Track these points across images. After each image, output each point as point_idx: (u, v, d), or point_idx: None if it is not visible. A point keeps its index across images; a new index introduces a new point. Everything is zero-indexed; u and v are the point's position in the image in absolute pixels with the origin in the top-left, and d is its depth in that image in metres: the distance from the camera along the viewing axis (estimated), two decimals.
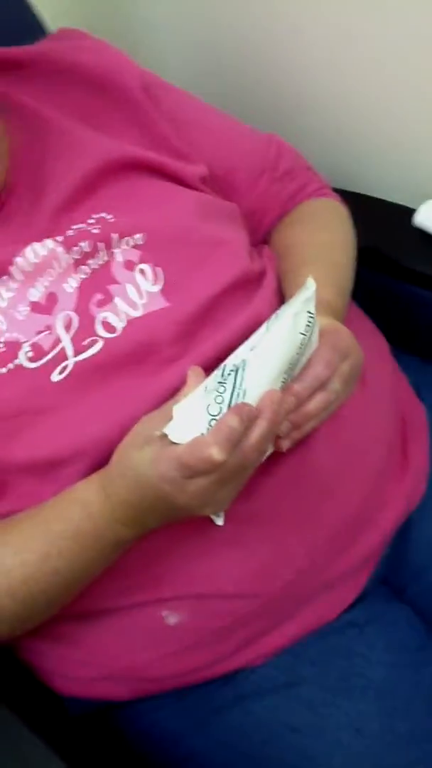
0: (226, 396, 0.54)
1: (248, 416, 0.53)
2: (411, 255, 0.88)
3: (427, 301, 0.89)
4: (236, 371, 0.54)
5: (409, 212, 0.88)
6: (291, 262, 0.76)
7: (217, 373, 0.55)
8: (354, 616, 0.72)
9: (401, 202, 0.92)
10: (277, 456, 0.67)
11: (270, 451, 0.64)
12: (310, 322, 0.58)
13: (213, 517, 0.64)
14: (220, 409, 0.54)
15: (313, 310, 0.58)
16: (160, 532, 0.64)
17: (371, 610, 0.73)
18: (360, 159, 1.00)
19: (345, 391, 0.62)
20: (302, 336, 0.57)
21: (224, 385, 0.54)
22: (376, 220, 0.91)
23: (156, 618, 0.67)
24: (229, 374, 0.54)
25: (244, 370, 0.54)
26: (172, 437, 0.54)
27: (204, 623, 0.67)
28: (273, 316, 0.58)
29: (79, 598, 0.65)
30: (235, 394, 0.54)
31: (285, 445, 0.61)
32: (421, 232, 0.88)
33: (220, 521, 0.64)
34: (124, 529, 0.59)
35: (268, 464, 0.67)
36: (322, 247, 0.77)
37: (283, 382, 0.58)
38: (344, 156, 1.01)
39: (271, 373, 0.56)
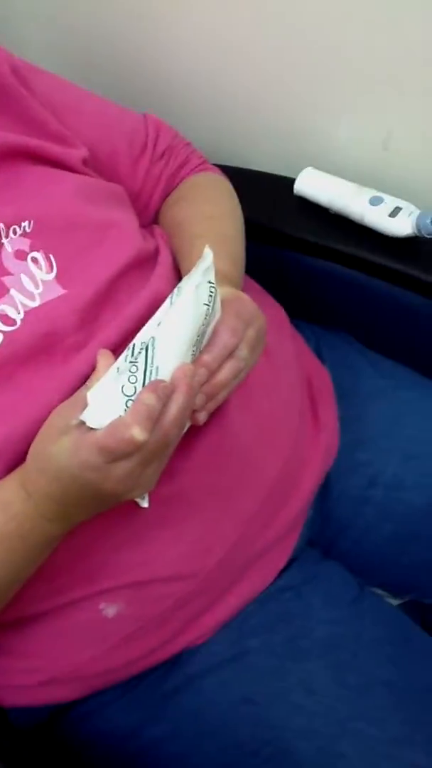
0: (140, 375, 0.53)
1: (164, 392, 0.52)
2: (295, 224, 0.90)
3: (315, 268, 0.91)
4: (146, 349, 0.54)
5: (289, 182, 0.90)
6: (182, 238, 0.76)
7: (127, 353, 0.54)
8: (288, 580, 0.73)
9: (280, 173, 0.94)
10: (194, 432, 0.67)
11: (187, 425, 0.63)
12: (212, 291, 0.58)
13: (138, 500, 0.63)
14: (135, 388, 0.53)
15: (213, 280, 0.58)
16: (86, 525, 0.62)
17: (304, 571, 0.75)
18: (236, 133, 1.01)
19: (252, 357, 0.63)
20: (206, 306, 0.57)
21: (136, 364, 0.53)
22: (258, 193, 0.92)
23: (94, 612, 0.65)
24: (139, 353, 0.54)
25: (154, 347, 0.54)
26: (90, 423, 0.53)
27: (143, 610, 0.66)
28: (175, 290, 0.57)
29: (12, 605, 0.62)
30: (148, 371, 0.53)
31: (201, 417, 0.61)
32: (302, 201, 0.90)
33: (145, 503, 0.63)
34: (50, 525, 0.57)
35: (186, 442, 0.67)
36: (210, 220, 0.78)
37: (193, 354, 0.58)
38: (221, 131, 1.01)
39: (180, 346, 0.56)
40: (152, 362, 0.53)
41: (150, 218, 0.84)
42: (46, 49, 1.09)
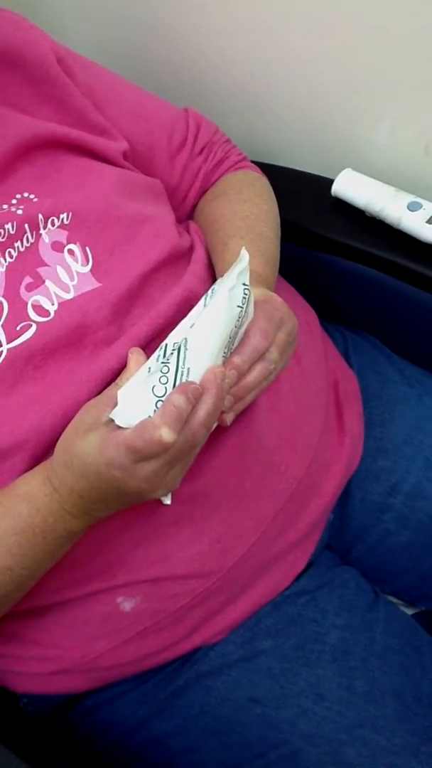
0: (171, 376, 0.53)
1: (194, 394, 0.52)
2: (331, 225, 0.89)
3: (348, 271, 0.90)
4: (178, 350, 0.54)
5: (327, 183, 0.89)
6: (217, 236, 0.75)
7: (158, 354, 0.54)
8: (304, 584, 0.73)
9: (319, 173, 0.93)
10: (220, 433, 0.67)
11: (213, 426, 0.63)
12: (246, 294, 0.58)
13: (161, 497, 0.63)
14: (166, 389, 0.53)
15: (248, 282, 0.58)
16: (108, 520, 0.62)
17: (320, 576, 0.75)
18: (276, 131, 1.00)
19: (283, 359, 0.63)
20: (239, 309, 0.57)
21: (167, 365, 0.53)
22: (295, 192, 0.92)
23: (111, 606, 0.65)
24: (171, 354, 0.54)
25: (186, 348, 0.54)
26: (119, 422, 0.53)
27: (159, 606, 0.66)
28: (209, 292, 0.57)
29: (31, 594, 0.63)
30: (179, 373, 0.53)
31: (229, 418, 0.61)
32: (339, 202, 0.89)
33: (167, 500, 0.63)
34: (74, 520, 0.58)
35: (211, 442, 0.67)
36: (246, 219, 0.77)
37: (224, 356, 0.58)
38: (261, 129, 1.00)
39: (212, 348, 0.56)
40: (184, 364, 0.53)
41: (186, 214, 0.84)
42: (86, 38, 1.08)
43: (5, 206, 0.65)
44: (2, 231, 0.64)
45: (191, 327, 0.56)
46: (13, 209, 0.65)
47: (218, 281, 0.58)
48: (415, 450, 0.80)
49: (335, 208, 0.89)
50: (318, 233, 0.90)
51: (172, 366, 0.53)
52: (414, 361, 0.90)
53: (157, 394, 0.53)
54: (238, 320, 0.58)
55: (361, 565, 0.79)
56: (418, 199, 0.84)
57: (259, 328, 0.60)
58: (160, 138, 0.80)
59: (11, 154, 0.66)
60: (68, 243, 0.66)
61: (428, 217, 0.82)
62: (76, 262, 0.65)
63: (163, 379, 0.53)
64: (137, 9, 1.01)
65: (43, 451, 0.61)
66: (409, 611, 0.82)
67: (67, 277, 0.65)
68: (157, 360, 0.54)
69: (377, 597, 0.75)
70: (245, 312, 0.59)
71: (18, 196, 0.66)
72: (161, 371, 0.53)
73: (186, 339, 0.54)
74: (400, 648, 0.71)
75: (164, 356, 0.54)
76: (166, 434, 0.51)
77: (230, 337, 0.58)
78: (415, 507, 0.78)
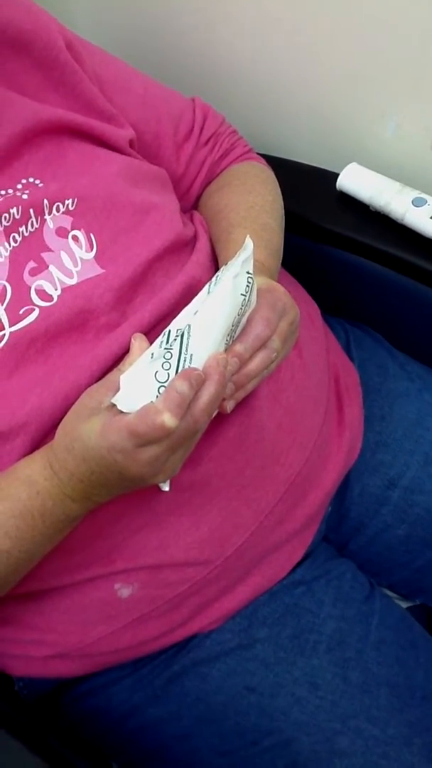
0: (173, 362, 0.53)
1: (197, 381, 0.52)
2: (335, 219, 0.89)
3: (351, 264, 0.90)
4: (182, 336, 0.54)
5: (332, 176, 0.89)
6: (221, 226, 0.76)
7: (162, 340, 0.55)
8: (301, 574, 0.74)
9: (325, 167, 0.93)
10: (220, 422, 0.67)
11: (214, 413, 0.64)
12: (249, 282, 0.58)
13: (160, 483, 0.64)
14: (168, 375, 0.53)
15: (251, 270, 0.58)
16: (107, 506, 0.63)
17: (317, 567, 0.75)
18: (282, 124, 1.00)
19: (284, 348, 0.63)
20: (242, 297, 0.58)
21: (170, 351, 0.53)
22: (300, 185, 0.92)
23: (108, 592, 0.66)
24: (174, 340, 0.54)
25: (189, 334, 0.54)
26: (122, 407, 0.53)
27: (157, 593, 0.67)
28: (213, 279, 0.57)
29: (29, 578, 0.63)
30: (182, 359, 0.53)
31: (230, 406, 0.61)
32: (344, 196, 0.89)
33: (166, 487, 0.64)
34: (73, 504, 0.58)
35: (212, 431, 0.67)
36: (251, 210, 0.77)
37: (226, 343, 0.58)
38: (267, 121, 1.00)
39: (215, 335, 0.56)
40: (187, 350, 0.54)
41: (191, 203, 0.84)
42: (92, 24, 1.08)
43: (10, 191, 0.65)
44: (7, 215, 0.64)
45: (195, 314, 0.56)
46: (18, 194, 0.65)
47: (222, 269, 0.58)
48: (415, 444, 0.81)
49: (340, 201, 0.90)
50: (322, 226, 0.90)
51: (175, 352, 0.53)
52: (414, 355, 0.90)
53: (159, 379, 0.53)
54: (241, 308, 0.58)
55: (357, 557, 0.80)
56: (423, 195, 0.84)
57: (262, 316, 0.61)
58: (167, 127, 0.80)
59: (17, 138, 0.66)
60: (73, 229, 0.66)
61: None
62: (81, 248, 0.66)
63: (166, 365, 0.53)
64: (146, 1, 1.01)
65: (44, 435, 0.61)
66: (404, 604, 0.83)
67: (71, 263, 0.65)
68: (160, 346, 0.54)
69: (373, 589, 0.76)
70: (248, 300, 0.59)
71: (23, 180, 0.66)
72: (164, 357, 0.53)
73: (189, 326, 0.54)
74: (395, 640, 0.71)
75: (167, 342, 0.54)
76: (169, 420, 0.51)
77: (233, 325, 0.58)
78: (413, 501, 0.79)
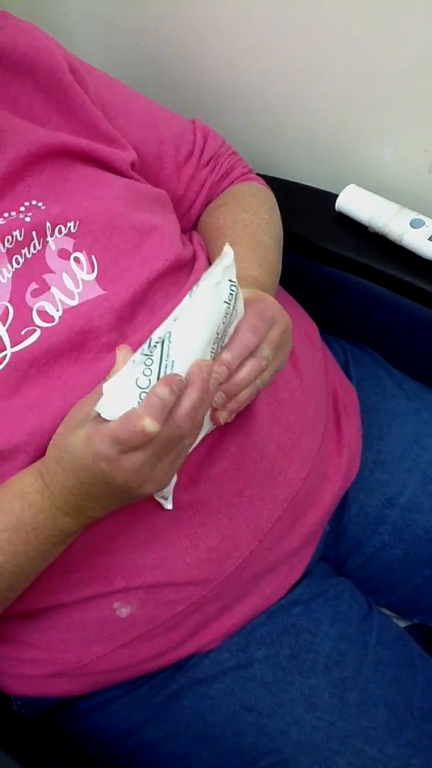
0: (155, 368, 0.53)
1: (178, 386, 0.52)
2: (334, 239, 0.90)
3: (349, 284, 0.91)
4: (162, 343, 0.54)
5: (331, 197, 0.90)
6: (217, 245, 0.76)
7: (143, 347, 0.54)
8: (299, 593, 0.74)
9: (324, 188, 0.94)
10: (220, 441, 0.68)
11: (209, 427, 0.64)
12: (232, 290, 0.58)
13: (161, 501, 0.64)
14: (150, 381, 0.53)
15: (234, 279, 0.58)
16: (105, 524, 0.63)
17: (314, 586, 0.75)
18: (282, 146, 1.01)
19: (278, 358, 0.63)
20: (226, 305, 0.57)
21: (151, 357, 0.53)
22: (299, 206, 0.93)
23: (107, 611, 0.66)
24: (155, 346, 0.54)
25: (170, 341, 0.54)
26: (104, 414, 0.53)
27: (156, 613, 0.67)
28: (194, 287, 0.57)
29: (27, 596, 0.63)
30: (163, 365, 0.54)
31: (223, 417, 0.61)
32: (343, 217, 0.90)
33: (168, 505, 0.64)
34: (66, 519, 0.58)
35: (211, 450, 0.68)
36: (246, 228, 0.78)
37: (212, 353, 0.58)
38: (266, 143, 1.02)
39: (197, 342, 0.56)
40: (168, 356, 0.54)
41: (191, 224, 0.85)
42: (94, 49, 1.10)
43: (14, 213, 0.66)
44: (10, 237, 0.65)
45: (175, 320, 0.56)
46: (21, 216, 0.66)
47: (203, 276, 0.57)
48: (412, 464, 0.81)
49: (339, 222, 0.91)
50: (321, 246, 0.91)
51: (156, 358, 0.53)
52: (412, 375, 0.91)
53: (140, 385, 0.53)
54: (225, 316, 0.58)
55: (355, 576, 0.80)
56: (421, 217, 0.85)
57: (249, 324, 0.60)
58: (168, 148, 0.81)
59: (21, 162, 0.67)
60: (74, 251, 0.67)
61: (430, 234, 0.83)
62: (82, 269, 0.66)
63: (147, 371, 0.53)
64: (145, 21, 1.02)
65: (43, 454, 0.61)
66: (402, 624, 0.83)
67: (73, 284, 0.66)
68: (141, 353, 0.54)
69: (371, 608, 0.76)
70: (233, 309, 0.58)
71: (26, 203, 0.67)
72: (145, 363, 0.53)
73: (170, 332, 0.54)
74: (393, 660, 0.71)
75: (148, 348, 0.54)
76: (150, 424, 0.51)
77: (218, 334, 0.58)
78: (411, 520, 0.79)
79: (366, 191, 0.89)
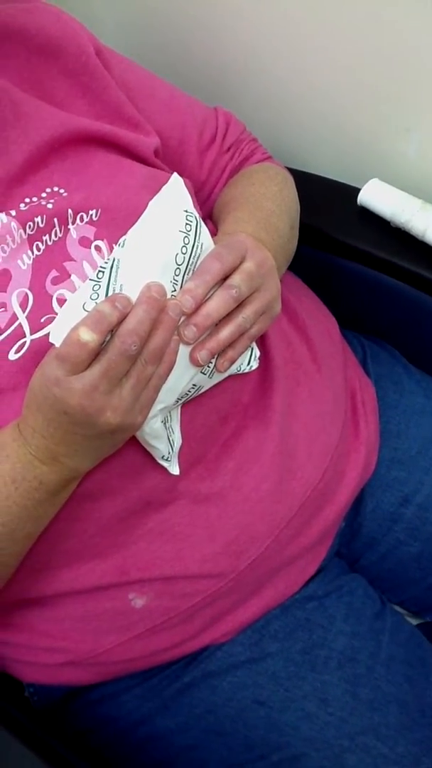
0: (101, 292, 0.53)
1: (122, 303, 0.51)
2: (355, 234, 0.90)
3: (370, 279, 0.90)
4: (110, 267, 0.54)
5: (353, 191, 0.89)
6: (225, 222, 0.74)
7: (92, 274, 0.55)
8: (313, 589, 0.74)
9: (346, 181, 0.93)
10: (236, 434, 0.68)
11: (193, 372, 0.60)
12: (189, 220, 0.56)
13: (165, 464, 0.63)
14: (96, 305, 0.53)
15: (190, 209, 0.56)
16: (123, 515, 0.63)
17: (329, 582, 0.75)
18: (304, 138, 1.00)
19: (261, 296, 0.60)
20: (182, 234, 0.56)
21: (99, 282, 0.53)
22: (320, 199, 0.92)
23: (122, 601, 0.66)
24: (101, 271, 0.54)
25: (118, 266, 0.54)
26: (53, 340, 0.53)
27: (170, 605, 0.67)
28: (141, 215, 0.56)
29: (42, 581, 0.63)
30: (110, 289, 0.54)
31: (201, 356, 0.58)
32: (365, 211, 0.89)
33: (173, 469, 0.63)
34: (43, 467, 0.56)
35: (229, 443, 0.68)
36: (251, 197, 0.76)
37: (175, 284, 0.56)
38: (289, 134, 1.01)
39: (148, 268, 0.55)
40: (116, 280, 0.54)
41: (210, 210, 0.84)
42: (117, 35, 1.09)
43: (35, 199, 0.65)
44: (32, 224, 0.64)
45: (122, 246, 0.55)
46: (43, 203, 0.65)
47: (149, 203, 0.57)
48: (430, 462, 0.80)
49: (361, 217, 0.90)
50: (342, 241, 0.90)
51: (104, 283, 0.53)
52: (431, 372, 0.90)
53: (87, 309, 0.53)
54: (183, 247, 0.56)
55: (369, 573, 0.80)
56: None
57: (213, 252, 0.58)
58: (191, 133, 0.80)
59: (45, 147, 0.67)
60: (96, 239, 0.66)
61: None
62: (103, 258, 0.66)
63: (94, 296, 0.53)
64: (170, 8, 1.02)
65: None
66: (414, 622, 0.83)
67: (93, 272, 0.65)
68: (89, 279, 0.54)
69: (384, 606, 0.76)
70: (195, 242, 0.57)
71: (48, 189, 0.66)
72: (93, 288, 0.53)
73: (118, 259, 0.54)
74: (405, 658, 0.71)
75: (96, 275, 0.54)
76: (84, 333, 0.50)
77: (177, 265, 0.56)
78: (427, 519, 0.78)
79: (389, 186, 0.88)
